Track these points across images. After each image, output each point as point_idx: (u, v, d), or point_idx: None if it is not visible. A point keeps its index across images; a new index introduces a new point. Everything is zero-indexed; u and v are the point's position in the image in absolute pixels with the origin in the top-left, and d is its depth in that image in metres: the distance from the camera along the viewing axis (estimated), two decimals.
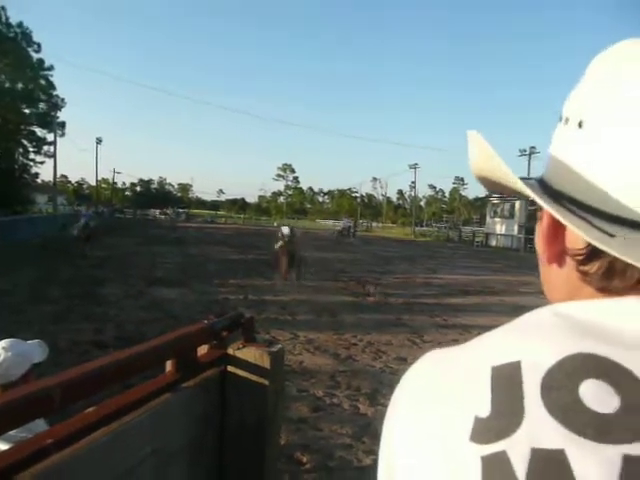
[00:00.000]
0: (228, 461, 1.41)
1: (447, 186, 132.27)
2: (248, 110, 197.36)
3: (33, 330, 7.59)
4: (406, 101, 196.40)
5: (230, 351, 1.37)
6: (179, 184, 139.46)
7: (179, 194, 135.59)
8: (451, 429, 0.42)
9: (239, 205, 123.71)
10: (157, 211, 75.89)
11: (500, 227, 43.64)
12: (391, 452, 0.49)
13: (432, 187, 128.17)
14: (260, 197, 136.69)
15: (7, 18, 43.16)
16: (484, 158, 0.53)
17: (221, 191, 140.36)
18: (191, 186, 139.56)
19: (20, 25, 44.48)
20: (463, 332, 9.27)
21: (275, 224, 72.47)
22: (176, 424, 1.20)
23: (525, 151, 48.88)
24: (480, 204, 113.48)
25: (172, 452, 1.20)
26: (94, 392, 0.92)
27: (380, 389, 6.05)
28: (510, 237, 41.77)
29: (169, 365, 1.23)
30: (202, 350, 1.35)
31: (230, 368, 1.36)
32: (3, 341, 1.89)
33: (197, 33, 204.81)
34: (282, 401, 1.43)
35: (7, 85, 44.93)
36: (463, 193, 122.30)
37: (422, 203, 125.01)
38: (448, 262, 24.50)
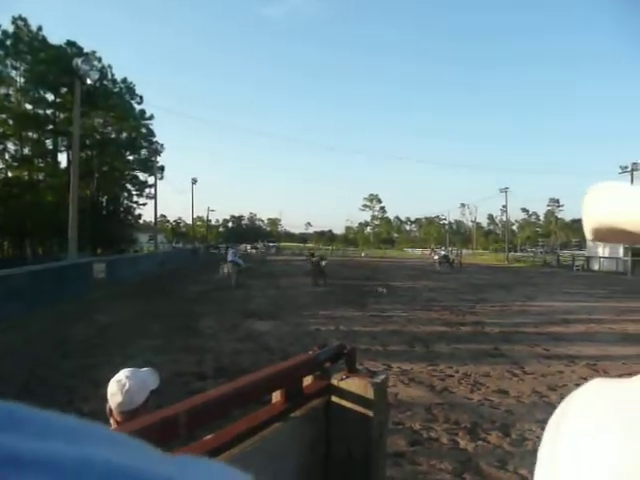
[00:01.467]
0: None
1: (541, 209, 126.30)
2: (332, 143, 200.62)
3: (137, 362, 8.05)
4: (491, 124, 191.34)
5: (334, 382, 1.39)
6: (268, 219, 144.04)
7: (268, 228, 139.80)
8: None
9: (327, 237, 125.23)
10: (248, 245, 78.42)
11: (603, 250, 40.87)
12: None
13: (525, 210, 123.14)
14: (347, 228, 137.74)
15: (112, 75, 47.40)
16: (616, 202, 0.49)
17: (309, 224, 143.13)
18: (280, 220, 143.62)
19: (124, 81, 48.67)
20: (569, 363, 8.71)
21: (363, 255, 72.94)
22: (286, 453, 1.24)
23: (627, 168, 45.72)
24: (579, 226, 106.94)
25: None
26: (216, 418, 0.98)
27: (480, 423, 5.79)
28: (615, 260, 39.00)
29: (277, 395, 1.28)
30: (307, 380, 1.39)
31: (334, 398, 1.39)
32: (125, 370, 2.03)
33: (279, 84, 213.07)
34: (387, 433, 1.43)
35: (113, 135, 49.07)
36: (559, 215, 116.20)
37: (515, 227, 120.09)
38: (546, 288, 23.23)
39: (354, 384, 1.37)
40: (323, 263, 23.98)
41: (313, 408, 1.33)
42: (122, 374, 2.01)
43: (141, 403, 1.97)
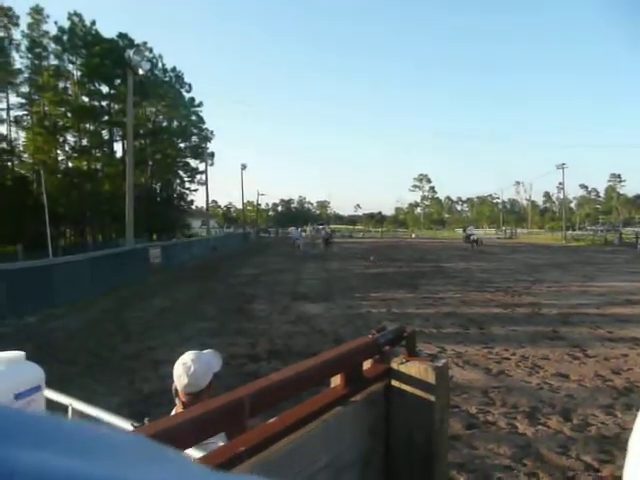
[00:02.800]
0: (397, 476, 1.39)
1: (601, 184, 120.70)
2: (381, 122, 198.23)
3: (193, 345, 8.28)
4: (547, 99, 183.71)
5: (394, 365, 1.36)
6: (318, 202, 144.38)
7: (318, 211, 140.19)
8: None
9: (376, 219, 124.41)
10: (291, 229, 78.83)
11: None
12: None
13: (584, 187, 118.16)
14: (397, 209, 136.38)
15: (163, 65, 48.41)
16: None
17: (358, 206, 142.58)
18: (329, 203, 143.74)
19: (174, 70, 49.68)
20: (634, 346, 8.33)
21: (413, 236, 72.10)
22: (347, 437, 1.22)
23: None
24: None
25: (343, 465, 1.22)
26: (277, 402, 0.97)
27: (540, 407, 5.63)
28: None
29: (337, 379, 1.26)
30: (366, 364, 1.36)
31: (394, 382, 1.36)
32: (190, 353, 2.07)
33: (325, 66, 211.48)
34: (448, 418, 1.39)
35: (165, 124, 50.28)
36: (621, 191, 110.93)
37: (572, 205, 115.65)
38: (607, 268, 22.28)
39: (414, 368, 1.33)
40: (332, 238, 38.74)
41: (373, 392, 1.31)
42: (187, 357, 2.05)
43: (205, 385, 2.02)
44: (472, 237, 39.70)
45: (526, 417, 5.39)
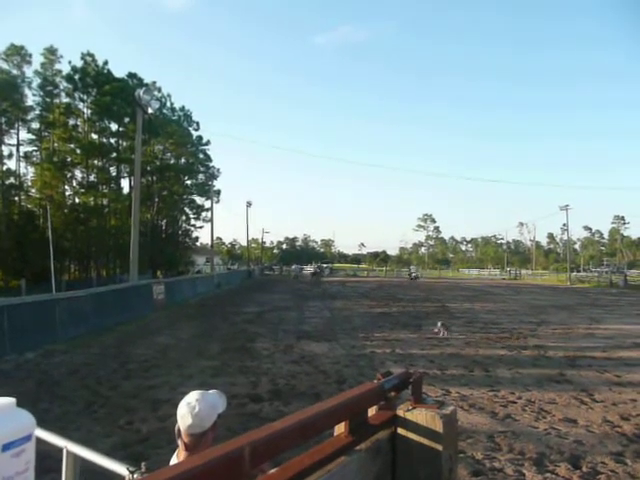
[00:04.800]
0: None
1: (605, 226, 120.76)
2: (385, 163, 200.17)
3: (194, 384, 8.18)
4: (550, 139, 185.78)
5: (400, 413, 1.32)
6: (322, 240, 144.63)
7: (322, 249, 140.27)
8: None
9: (380, 257, 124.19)
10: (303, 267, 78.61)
11: None
12: None
13: (587, 228, 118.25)
14: (401, 249, 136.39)
15: (172, 104, 49.48)
16: None
17: (362, 244, 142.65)
18: (333, 241, 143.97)
19: (182, 108, 50.77)
20: None
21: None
22: None
23: None
24: None
25: None
26: (279, 453, 0.94)
27: (547, 454, 5.48)
28: None
29: (341, 427, 1.22)
30: (371, 411, 1.32)
31: (400, 431, 1.31)
32: (194, 392, 2.03)
33: (324, 102, 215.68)
34: (457, 468, 1.34)
35: (172, 161, 51.01)
36: (625, 233, 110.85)
37: (577, 246, 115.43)
38: (613, 310, 22.05)
39: (421, 415, 1.29)
40: (324, 272, 55.76)
41: (378, 440, 1.27)
42: (192, 396, 2.01)
43: (209, 426, 1.97)
44: (413, 275, 60.16)
45: (534, 464, 5.24)
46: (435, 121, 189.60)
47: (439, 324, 14.24)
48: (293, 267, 64.07)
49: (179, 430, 1.98)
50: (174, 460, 2.03)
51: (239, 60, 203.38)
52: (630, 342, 13.01)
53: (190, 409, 1.95)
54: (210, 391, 2.10)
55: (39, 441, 2.29)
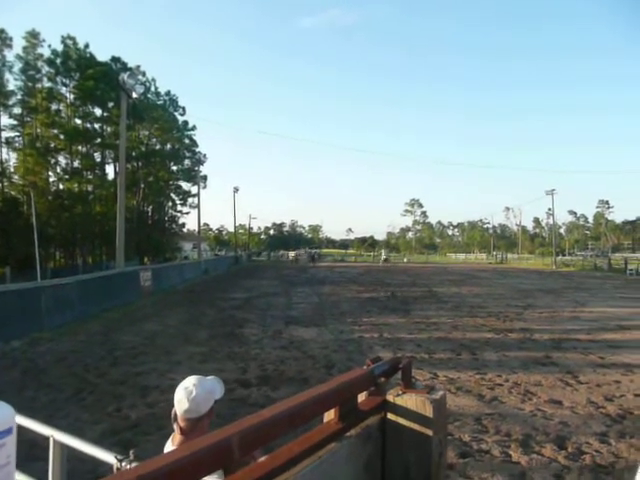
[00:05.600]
0: None
1: (590, 211, 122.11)
2: (373, 148, 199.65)
3: (183, 370, 8.17)
4: (535, 125, 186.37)
5: (390, 398, 1.31)
6: (310, 225, 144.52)
7: (310, 235, 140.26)
8: None
9: (368, 243, 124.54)
10: (290, 252, 78.61)
11: None
12: None
13: (572, 213, 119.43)
14: (389, 234, 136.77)
15: (156, 88, 48.80)
16: None
17: (350, 230, 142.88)
18: (321, 227, 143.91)
19: (168, 93, 50.12)
20: (626, 372, 8.31)
21: (405, 260, 72.17)
22: (342, 474, 1.17)
23: None
24: (631, 228, 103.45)
25: None
26: (269, 441, 0.92)
27: (533, 435, 5.56)
28: None
29: (331, 413, 1.21)
30: (361, 397, 1.31)
31: (390, 416, 1.31)
32: (192, 377, 2.02)
33: (322, 89, 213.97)
34: (446, 452, 1.34)
35: (158, 147, 50.45)
36: (609, 217, 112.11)
37: (562, 231, 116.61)
38: (598, 293, 22.35)
39: (411, 400, 1.29)
40: (316, 256, 61.97)
41: (368, 426, 1.26)
42: (190, 381, 2.00)
43: (206, 412, 1.97)
44: (383, 257, 67.47)
45: (520, 445, 5.31)
46: (422, 103, 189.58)
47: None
48: (282, 253, 73.89)
49: (175, 414, 1.97)
50: (169, 444, 2.02)
51: (230, 41, 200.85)
52: (614, 324, 13.21)
53: (187, 393, 1.94)
54: (208, 377, 2.10)
55: (26, 430, 2.26)
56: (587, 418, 6.13)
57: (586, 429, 5.74)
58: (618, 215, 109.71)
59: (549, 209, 75.11)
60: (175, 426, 1.99)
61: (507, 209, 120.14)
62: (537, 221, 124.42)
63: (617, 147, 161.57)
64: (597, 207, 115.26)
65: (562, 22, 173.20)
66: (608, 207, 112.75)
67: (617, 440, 5.38)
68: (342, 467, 1.17)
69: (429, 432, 1.25)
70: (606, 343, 10.76)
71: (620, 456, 4.99)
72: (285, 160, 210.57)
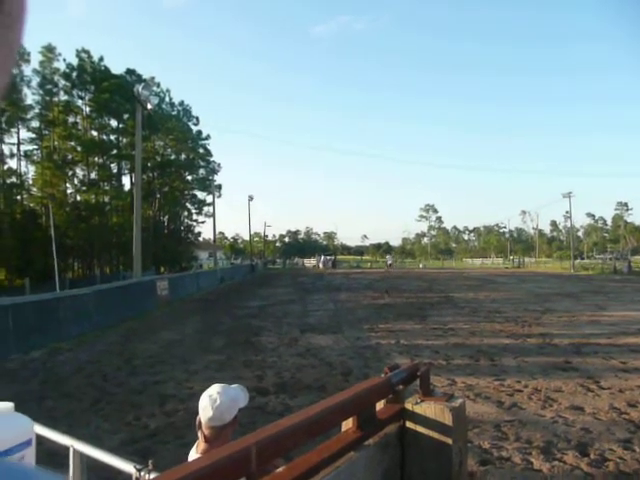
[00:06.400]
0: None
1: (608, 213, 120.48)
2: (386, 155, 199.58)
3: (200, 379, 8.19)
4: (549, 129, 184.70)
5: (408, 406, 1.30)
6: (325, 232, 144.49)
7: (325, 242, 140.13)
8: None
9: (383, 249, 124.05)
10: (311, 260, 77.94)
11: None
12: None
13: (591, 215, 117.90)
14: (404, 239, 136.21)
15: (171, 98, 49.35)
16: None
17: (365, 236, 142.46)
18: (336, 233, 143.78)
19: (182, 103, 50.65)
20: None
21: (420, 266, 71.75)
22: None
23: None
24: None
25: None
26: (287, 450, 0.91)
27: (555, 442, 5.47)
28: None
29: (349, 422, 1.20)
30: (379, 405, 1.30)
31: (409, 424, 1.29)
32: (217, 385, 2.04)
33: (333, 100, 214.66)
34: (466, 460, 1.32)
35: (173, 157, 50.95)
36: (628, 219, 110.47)
37: (580, 234, 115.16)
38: (618, 297, 21.98)
39: (430, 408, 1.27)
40: (333, 259, 64.86)
41: (386, 435, 1.24)
42: (214, 389, 2.02)
43: (230, 420, 1.98)
44: (388, 263, 64.34)
45: (541, 452, 5.23)
46: (436, 114, 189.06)
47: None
48: (297, 260, 76.87)
49: (200, 422, 1.99)
50: (193, 451, 2.04)
51: (241, 60, 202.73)
52: (635, 328, 12.97)
53: (211, 401, 1.96)
54: (232, 385, 2.11)
55: (46, 439, 2.28)
56: (610, 424, 6.02)
57: (609, 435, 5.64)
58: (637, 217, 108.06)
59: (566, 212, 74.45)
60: (199, 434, 2.00)
61: (523, 212, 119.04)
62: (554, 224, 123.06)
63: (635, 150, 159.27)
64: (616, 209, 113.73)
65: (585, 40, 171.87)
66: (627, 209, 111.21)
67: None
68: (361, 476, 1.15)
69: (449, 440, 1.23)
70: (628, 347, 10.57)
71: None
72: (301, 169, 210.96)
